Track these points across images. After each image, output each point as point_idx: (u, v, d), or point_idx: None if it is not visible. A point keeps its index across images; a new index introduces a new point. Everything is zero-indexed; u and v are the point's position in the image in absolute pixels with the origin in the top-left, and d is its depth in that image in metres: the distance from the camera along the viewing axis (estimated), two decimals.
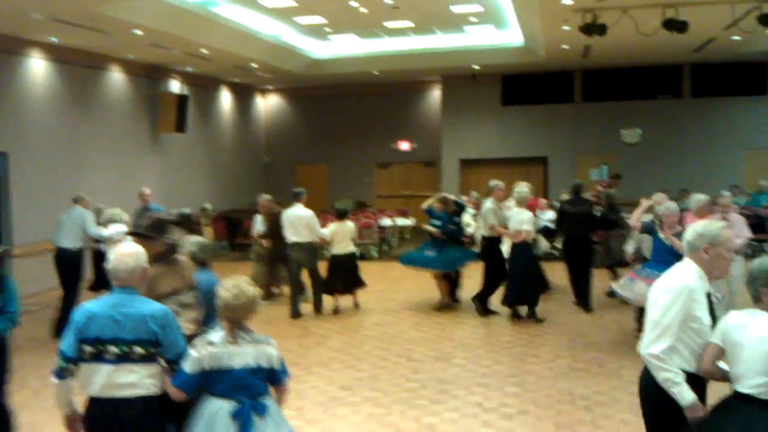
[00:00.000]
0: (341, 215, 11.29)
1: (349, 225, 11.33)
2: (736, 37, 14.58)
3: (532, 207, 11.60)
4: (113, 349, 3.79)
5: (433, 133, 21.59)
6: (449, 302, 11.17)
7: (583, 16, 11.75)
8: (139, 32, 13.01)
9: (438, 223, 10.88)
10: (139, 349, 3.81)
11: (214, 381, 3.88)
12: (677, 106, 19.45)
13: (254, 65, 17.76)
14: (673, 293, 3.70)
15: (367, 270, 15.50)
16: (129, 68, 16.15)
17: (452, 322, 10.30)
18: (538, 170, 20.50)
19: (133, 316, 3.82)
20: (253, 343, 3.94)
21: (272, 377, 4.01)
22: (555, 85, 20.06)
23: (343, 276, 11.04)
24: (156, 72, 17.05)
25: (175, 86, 17.93)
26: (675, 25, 11.16)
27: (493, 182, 10.72)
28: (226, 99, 21.03)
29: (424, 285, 12.07)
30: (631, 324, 9.71)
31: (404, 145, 22.31)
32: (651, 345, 3.70)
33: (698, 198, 8.91)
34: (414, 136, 22.19)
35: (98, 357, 3.81)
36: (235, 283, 3.98)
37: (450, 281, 11.17)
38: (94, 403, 3.86)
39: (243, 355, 3.89)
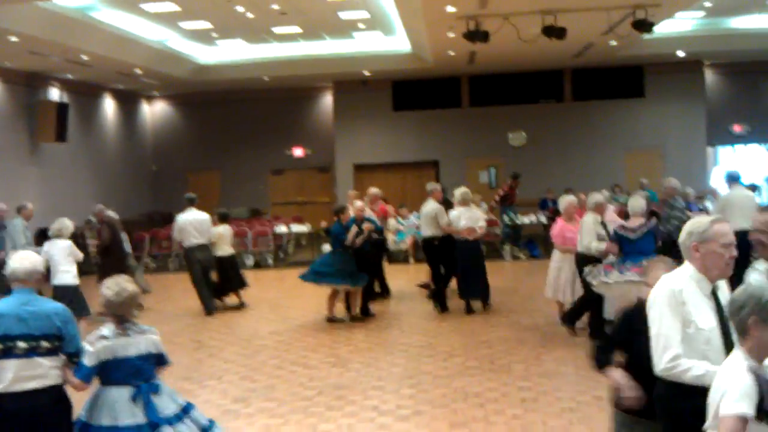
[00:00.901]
0: (223, 218, 11.92)
1: (229, 228, 12.01)
2: (614, 42, 15.26)
3: (383, 212, 11.69)
4: (21, 344, 4.10)
5: (327, 138, 21.59)
6: (344, 318, 10.65)
7: (466, 23, 12.02)
8: (15, 39, 12.42)
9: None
10: (45, 343, 4.15)
11: (112, 370, 4.32)
12: (560, 110, 20.20)
13: (138, 71, 17.26)
14: (657, 304, 3.50)
15: (263, 278, 15.44)
16: (6, 76, 15.40)
17: (349, 327, 10.29)
18: (430, 174, 20.78)
19: (38, 313, 4.18)
20: (141, 333, 4.46)
21: (160, 361, 4.58)
22: (444, 90, 20.45)
23: (231, 276, 11.73)
24: (35, 80, 16.31)
25: (55, 94, 17.21)
26: (554, 32, 11.57)
27: (432, 185, 11.34)
28: (109, 106, 20.34)
29: (320, 291, 12.01)
30: (523, 320, 10.01)
31: (298, 152, 22.19)
32: (659, 361, 3.44)
33: (566, 198, 9.67)
34: (307, 142, 22.12)
35: (7, 353, 4.09)
36: (116, 281, 4.46)
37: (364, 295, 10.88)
38: (4, 398, 4.08)
39: (135, 345, 4.39)
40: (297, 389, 7.49)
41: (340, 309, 10.71)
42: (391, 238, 13.59)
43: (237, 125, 22.04)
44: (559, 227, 9.52)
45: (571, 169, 19.38)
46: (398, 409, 6.77)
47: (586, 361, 7.85)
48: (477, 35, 12.02)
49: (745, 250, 4.09)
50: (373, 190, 12.20)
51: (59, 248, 9.19)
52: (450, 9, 11.56)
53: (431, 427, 6.33)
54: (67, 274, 9.16)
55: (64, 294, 8.63)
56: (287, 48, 17.81)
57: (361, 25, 15.87)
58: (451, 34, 13.46)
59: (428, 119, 20.58)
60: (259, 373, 8.17)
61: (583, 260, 8.70)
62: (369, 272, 10.73)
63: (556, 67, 19.62)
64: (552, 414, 6.43)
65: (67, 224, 9.47)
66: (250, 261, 16.79)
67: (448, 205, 11.27)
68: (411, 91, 20.56)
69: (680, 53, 18.05)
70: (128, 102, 21.35)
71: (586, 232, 8.78)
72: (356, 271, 10.29)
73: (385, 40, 17.51)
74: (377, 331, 10.02)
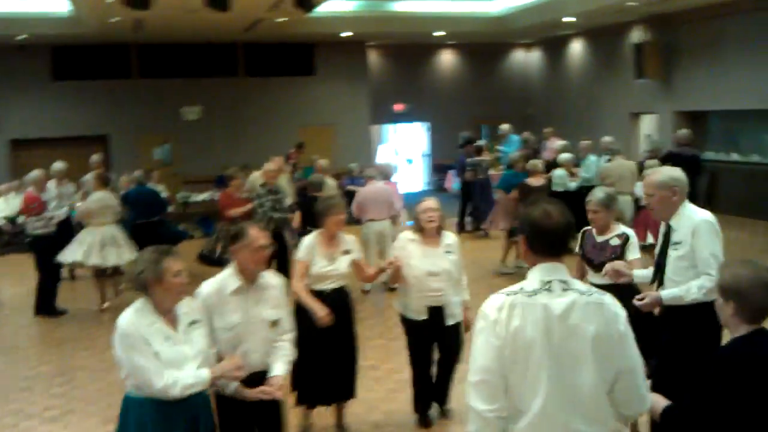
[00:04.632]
0: None
1: None
2: (281, 19, 15.43)
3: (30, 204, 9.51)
4: None
5: None
6: None
7: None
8: None
9: None
10: None
11: None
12: (234, 85, 20.02)
13: None
14: None
15: None
16: None
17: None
18: (100, 150, 19.47)
19: None
20: None
21: None
22: (111, 59, 19.16)
23: None
24: None
25: None
26: (217, 3, 11.31)
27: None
28: None
29: None
30: None
31: None
32: None
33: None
34: None
35: None
36: None
37: None
38: None
39: None
40: None
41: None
42: None
43: None
44: None
45: (247, 145, 19.36)
46: (46, 411, 6.23)
47: None
48: (136, 2, 11.32)
49: None
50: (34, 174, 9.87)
51: None
52: None
53: (82, 426, 5.92)
54: None
55: None
56: None
57: None
58: None
59: (95, 90, 19.14)
60: None
61: None
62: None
63: (230, 41, 19.39)
64: None
65: None
66: None
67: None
68: (74, 58, 18.93)
69: (345, 33, 18.86)
70: None
71: None
72: None
73: (41, 0, 15.91)
74: (31, 327, 9.13)
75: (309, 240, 5.39)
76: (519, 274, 10.21)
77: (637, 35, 17.46)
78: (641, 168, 11.31)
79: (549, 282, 2.62)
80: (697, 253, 4.16)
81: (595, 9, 15.54)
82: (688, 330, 4.20)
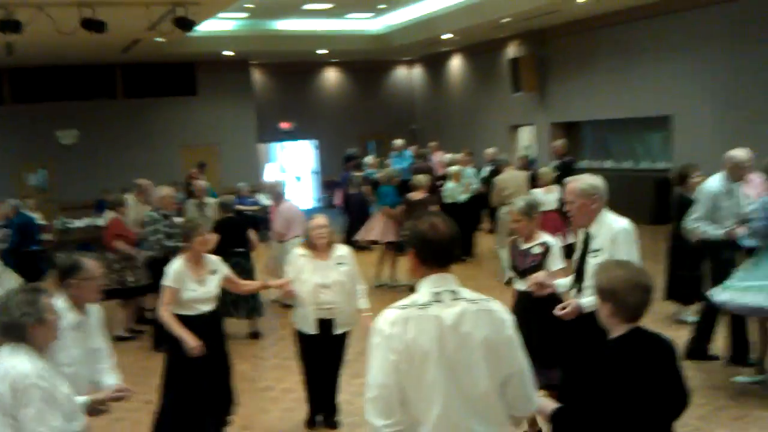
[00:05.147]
0: None
1: None
2: (160, 39, 15.11)
3: None
4: None
5: None
6: None
7: None
8: None
9: None
10: None
11: None
12: (112, 107, 19.42)
13: None
14: None
15: None
16: None
17: None
18: None
19: None
20: None
21: None
22: None
23: None
24: None
25: None
26: (93, 25, 10.98)
27: None
28: None
29: None
30: None
31: None
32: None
33: None
34: None
35: None
36: None
37: None
38: None
39: None
40: None
41: None
42: None
43: None
44: None
45: (127, 167, 18.67)
46: None
47: (141, 365, 7.64)
48: (8, 25, 10.82)
49: None
50: None
51: None
52: None
53: None
54: None
55: None
56: None
57: None
58: None
59: None
60: None
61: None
62: None
63: (107, 63, 18.83)
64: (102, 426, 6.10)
65: None
66: None
67: None
68: None
69: (228, 52, 18.67)
70: None
71: None
72: None
73: None
74: None
75: (176, 265, 5.22)
76: (398, 286, 10.44)
77: (512, 50, 18.17)
78: (533, 177, 11.70)
79: (439, 293, 2.68)
80: None
81: (471, 26, 16.06)
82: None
